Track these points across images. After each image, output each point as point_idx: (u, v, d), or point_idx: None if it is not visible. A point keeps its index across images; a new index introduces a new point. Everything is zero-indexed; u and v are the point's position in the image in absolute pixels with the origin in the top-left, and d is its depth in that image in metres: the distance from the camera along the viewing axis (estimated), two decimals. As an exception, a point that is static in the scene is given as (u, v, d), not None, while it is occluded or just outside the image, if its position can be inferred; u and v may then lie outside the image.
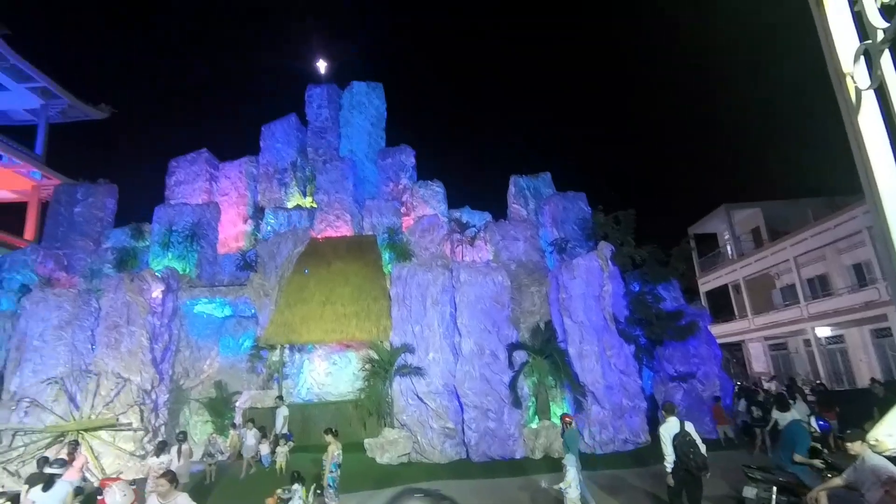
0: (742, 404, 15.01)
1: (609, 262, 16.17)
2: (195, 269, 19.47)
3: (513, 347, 15.08)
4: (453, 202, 23.39)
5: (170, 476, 5.17)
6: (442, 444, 13.86)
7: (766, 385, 22.66)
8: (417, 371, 14.72)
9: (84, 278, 19.69)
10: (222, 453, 13.51)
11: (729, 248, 32.85)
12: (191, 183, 24.17)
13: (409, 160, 24.65)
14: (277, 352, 16.62)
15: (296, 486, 9.33)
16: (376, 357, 15.56)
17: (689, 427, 7.38)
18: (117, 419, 13.81)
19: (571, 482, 8.33)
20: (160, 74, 79.54)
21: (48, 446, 13.07)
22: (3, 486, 12.56)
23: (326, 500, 8.81)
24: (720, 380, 16.47)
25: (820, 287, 26.81)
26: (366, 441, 13.71)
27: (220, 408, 16.14)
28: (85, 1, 75.85)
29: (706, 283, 33.94)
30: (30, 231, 31.95)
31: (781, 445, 8.02)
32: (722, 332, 30.15)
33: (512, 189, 23.15)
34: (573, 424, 9.49)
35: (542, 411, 15.02)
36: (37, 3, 64.52)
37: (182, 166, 24.52)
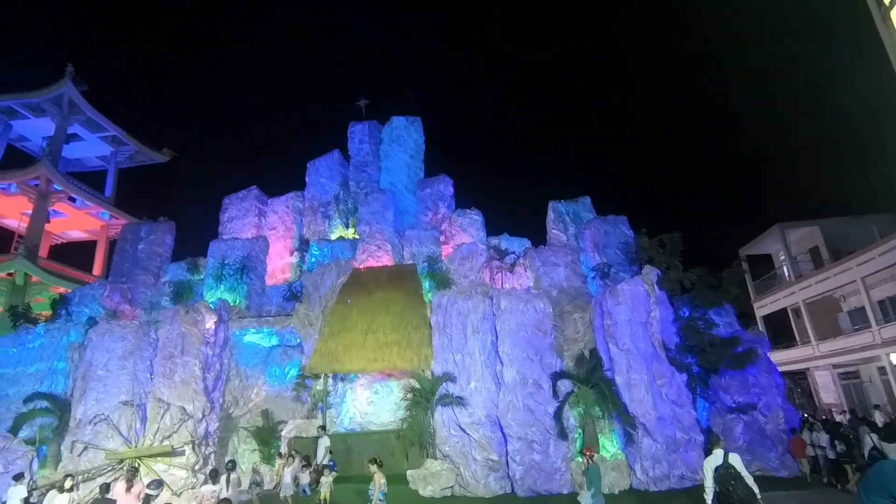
0: (823, 438, 13.70)
1: (655, 286, 15.62)
2: (245, 300, 20.29)
3: (557, 376, 14.67)
4: (492, 230, 23.53)
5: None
6: (486, 478, 13.49)
7: (837, 417, 20.79)
8: (459, 401, 14.53)
9: (145, 311, 20.89)
10: (259, 485, 13.67)
11: (786, 269, 30.97)
12: (242, 218, 25.51)
13: (448, 190, 25.15)
14: (321, 381, 16.89)
15: None
16: (418, 386, 15.51)
17: (734, 459, 7.04)
18: (172, 447, 14.32)
19: None
20: (215, 119, 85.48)
21: (109, 471, 13.66)
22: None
23: None
24: (784, 411, 15.28)
25: (892, 310, 24.69)
26: (408, 473, 13.54)
27: (266, 436, 16.44)
28: (147, 56, 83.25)
29: (762, 307, 31.98)
30: (98, 267, 34.47)
31: (873, 486, 7.15)
32: (783, 359, 28.16)
33: (551, 215, 23.00)
34: (594, 459, 9.53)
35: (591, 444, 14.38)
36: (106, 59, 71.47)
37: (234, 203, 25.97)
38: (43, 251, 31.72)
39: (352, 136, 27.71)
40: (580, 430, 14.65)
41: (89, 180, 35.23)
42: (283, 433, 16.06)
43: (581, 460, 10.14)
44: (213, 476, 10.55)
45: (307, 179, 26.77)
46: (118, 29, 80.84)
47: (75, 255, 36.28)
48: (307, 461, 13.73)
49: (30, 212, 30.38)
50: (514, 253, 21.01)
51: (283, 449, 15.30)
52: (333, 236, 24.34)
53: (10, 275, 27.54)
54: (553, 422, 13.89)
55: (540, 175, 79.16)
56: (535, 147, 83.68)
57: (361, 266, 20.97)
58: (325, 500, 11.93)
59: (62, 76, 31.39)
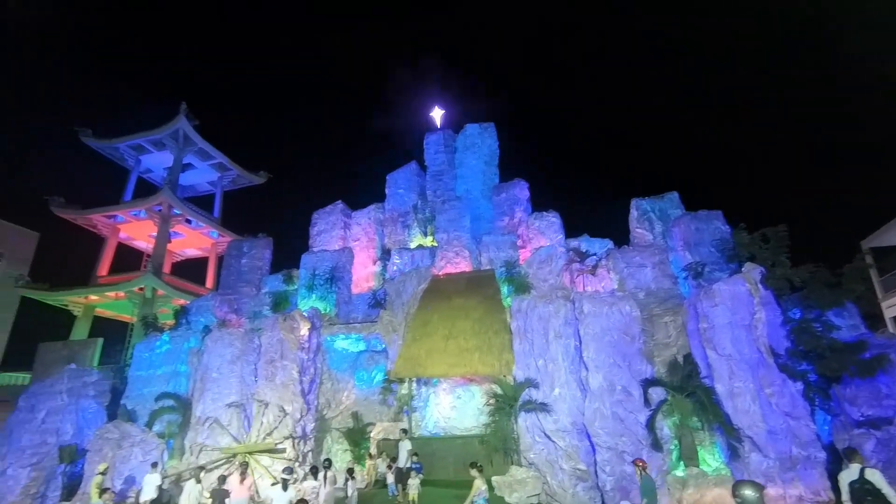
0: None
1: (759, 285, 14.21)
2: (334, 308, 21.56)
3: (648, 384, 13.83)
4: (571, 231, 22.87)
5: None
6: (574, 487, 13.06)
7: None
8: (543, 407, 14.24)
9: (249, 319, 22.98)
10: (355, 485, 14.31)
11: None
12: (329, 232, 27.20)
13: (523, 193, 24.93)
14: (406, 385, 17.42)
15: None
16: (500, 392, 15.44)
17: (872, 474, 6.40)
18: (275, 444, 15.57)
19: None
20: (302, 140, 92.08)
21: (224, 464, 15.16)
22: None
23: None
24: (930, 428, 13.08)
25: None
26: (493, 479, 13.48)
27: (356, 437, 17.26)
28: (239, 87, 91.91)
29: (893, 307, 27.67)
30: (210, 280, 38.57)
31: None
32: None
33: (634, 213, 21.85)
34: (647, 470, 9.39)
35: (689, 457, 13.37)
36: (206, 93, 79.97)
37: (322, 217, 27.78)
38: (166, 268, 36.15)
39: (427, 147, 28.52)
40: (676, 442, 13.67)
41: (201, 203, 39.67)
42: (372, 434, 16.78)
43: (637, 475, 9.68)
44: (314, 472, 11.29)
45: (387, 191, 27.93)
46: (214, 65, 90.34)
47: (191, 270, 40.95)
48: (394, 462, 14.25)
49: (155, 234, 34.83)
50: (595, 255, 20.24)
51: (373, 450, 16.00)
52: (413, 245, 25.10)
53: (141, 289, 31.72)
54: (645, 432, 13.11)
55: (620, 172, 75.34)
56: (614, 143, 79.90)
57: (440, 273, 21.39)
58: (413, 501, 12.26)
59: (177, 113, 35.72)
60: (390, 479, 13.50)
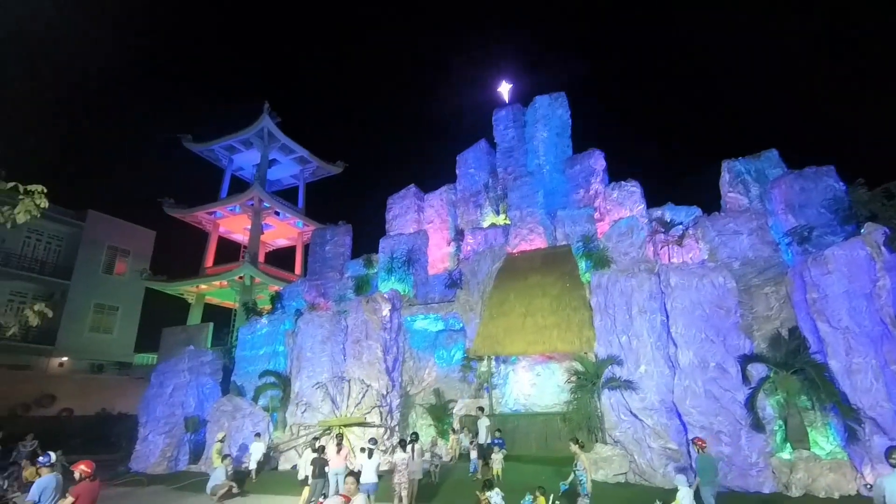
0: None
1: (883, 248, 12.44)
2: (412, 289, 22.23)
3: (746, 360, 12.76)
4: (653, 200, 21.41)
5: (355, 476, 6.20)
6: (664, 467, 12.54)
7: None
8: (628, 385, 13.75)
9: (335, 302, 24.43)
10: (440, 457, 14.87)
11: None
12: (404, 216, 27.90)
13: (599, 163, 23.72)
14: (485, 363, 17.63)
15: (496, 490, 9.81)
16: (581, 369, 15.11)
17: None
18: (364, 418, 16.58)
19: (682, 501, 8.54)
20: (374, 127, 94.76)
21: (320, 436, 16.44)
22: (295, 463, 16.33)
23: None
24: None
25: None
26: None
27: (439, 413, 17.85)
28: (312, 81, 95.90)
29: None
30: (298, 267, 41.38)
31: None
32: None
33: (726, 176, 19.93)
34: (706, 450, 9.42)
35: (798, 439, 12.24)
36: (284, 89, 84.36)
37: (396, 202, 28.52)
38: (261, 257, 39.32)
39: (496, 123, 27.98)
40: (781, 422, 12.56)
41: (286, 196, 42.48)
42: (454, 410, 17.26)
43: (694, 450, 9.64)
44: (402, 445, 11.88)
45: (457, 172, 27.95)
46: (287, 60, 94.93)
47: (282, 259, 44.19)
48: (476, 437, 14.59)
49: (249, 226, 37.95)
50: (681, 224, 18.87)
51: (456, 425, 16.48)
52: (486, 224, 25.02)
53: (240, 278, 34.86)
54: (744, 411, 12.18)
55: (706, 134, 68.97)
56: (698, 102, 73.07)
57: (515, 251, 21.15)
58: (497, 475, 12.51)
59: (260, 112, 38.23)
60: (473, 454, 13.75)
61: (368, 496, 10.67)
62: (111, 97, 74.22)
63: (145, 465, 18.08)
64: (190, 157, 40.57)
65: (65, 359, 30.81)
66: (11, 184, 7.78)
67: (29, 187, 7.70)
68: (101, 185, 67.85)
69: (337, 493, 11.57)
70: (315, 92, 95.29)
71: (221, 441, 16.05)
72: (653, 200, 21.37)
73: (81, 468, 8.09)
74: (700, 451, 9.58)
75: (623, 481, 12.71)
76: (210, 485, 13.69)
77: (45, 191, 7.77)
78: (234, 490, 13.55)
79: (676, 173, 63.30)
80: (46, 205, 7.84)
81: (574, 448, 9.44)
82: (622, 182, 22.20)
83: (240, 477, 14.47)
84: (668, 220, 19.02)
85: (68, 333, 31.22)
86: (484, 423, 14.31)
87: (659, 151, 69.91)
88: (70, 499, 7.56)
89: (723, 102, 71.65)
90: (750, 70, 66.67)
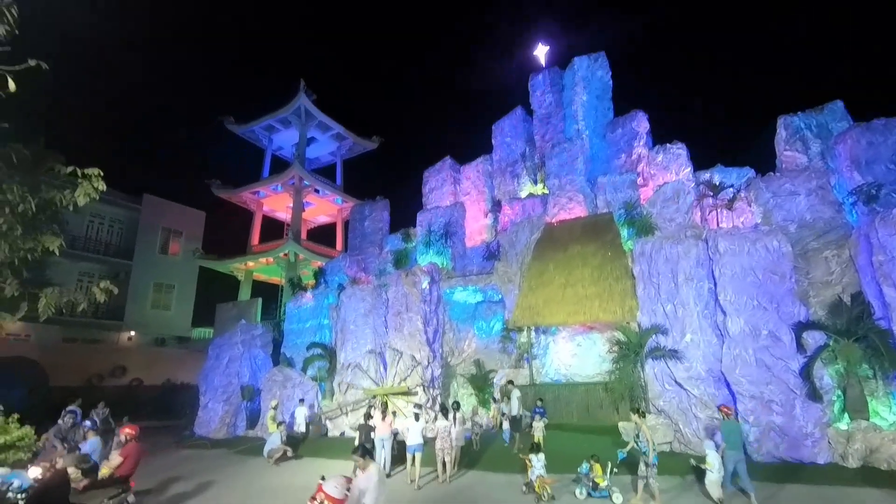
0: None
1: (960, 205, 11.37)
2: (450, 262, 22.34)
3: (802, 327, 12.13)
4: (700, 163, 20.31)
5: (361, 451, 5.87)
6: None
7: None
8: (673, 354, 13.43)
9: (375, 276, 24.95)
10: (481, 426, 15.12)
11: None
12: (440, 188, 27.81)
13: (643, 126, 22.60)
14: (524, 334, 17.63)
15: (540, 455, 10.00)
16: (623, 339, 14.85)
17: None
18: (408, 388, 17.07)
19: (713, 465, 8.92)
20: (410, 101, 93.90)
21: (366, 404, 17.11)
22: (343, 430, 17.12)
23: (650, 478, 8.77)
24: None
25: None
26: (620, 424, 13.24)
27: (480, 383, 18.11)
28: (345, 56, 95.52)
29: None
30: (339, 243, 42.37)
31: None
32: None
33: (782, 133, 18.56)
34: (731, 416, 9.68)
35: (857, 409, 11.65)
36: (316, 65, 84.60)
37: (432, 175, 28.43)
38: (303, 234, 40.50)
39: (533, 89, 27.06)
40: (840, 392, 11.96)
41: (324, 174, 43.19)
42: (494, 381, 17.46)
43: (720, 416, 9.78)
44: (444, 413, 12.20)
45: (493, 141, 27.41)
46: (319, 35, 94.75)
47: (323, 235, 45.34)
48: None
49: (291, 205, 38.99)
50: (731, 187, 17.85)
51: (497, 395, 16.69)
52: (523, 194, 24.58)
53: (285, 255, 36.12)
54: (799, 380, 11.66)
55: (759, 90, 64.05)
56: (749, 55, 67.58)
57: (554, 220, 20.73)
58: (538, 442, 12.62)
59: (297, 91, 38.63)
60: (506, 425, 13.93)
61: (414, 456, 11.26)
62: (155, 84, 76.97)
63: (207, 430, 19.46)
64: (232, 139, 41.81)
65: (133, 333, 33.24)
66: (70, 168, 8.32)
67: (86, 171, 8.18)
68: (152, 170, 71.28)
69: (384, 460, 12.11)
70: (348, 67, 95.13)
71: (275, 408, 17.01)
72: (700, 163, 20.32)
73: (127, 431, 9.05)
74: (725, 417, 9.68)
75: (668, 450, 12.56)
76: (266, 449, 14.60)
77: (102, 174, 8.23)
78: (289, 454, 14.39)
79: (726, 134, 59.59)
80: (104, 188, 8.32)
81: (635, 418, 9.42)
82: (667, 145, 21.14)
83: (293, 442, 15.32)
84: (718, 184, 18.04)
85: (133, 310, 33.56)
86: (515, 394, 14.15)
87: (707, 112, 65.89)
88: (119, 458, 8.41)
89: (778, 54, 66.11)
90: (807, 14, 60.92)
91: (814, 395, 11.46)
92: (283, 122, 40.31)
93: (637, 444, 9.22)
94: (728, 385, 12.50)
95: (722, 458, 9.15)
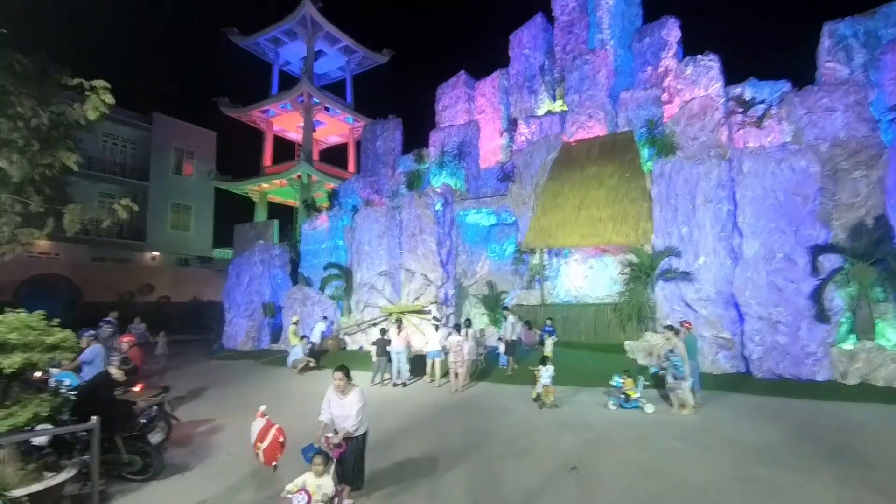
0: None
1: None
2: (464, 183, 22.05)
3: (818, 250, 11.99)
4: (733, 77, 18.91)
5: (345, 371, 5.51)
6: (714, 355, 12.72)
7: None
8: (685, 276, 13.52)
9: (388, 198, 24.89)
10: (486, 348, 15.77)
11: None
12: (454, 106, 26.68)
13: (673, 34, 20.79)
14: (537, 256, 17.80)
15: (549, 366, 10.61)
16: (636, 261, 14.92)
17: None
18: (422, 307, 17.72)
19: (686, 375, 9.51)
20: (422, 10, 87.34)
21: (383, 320, 17.93)
22: (361, 345, 18.13)
23: (677, 390, 9.40)
24: None
25: None
26: (626, 343, 13.75)
27: (491, 304, 18.66)
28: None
29: None
30: (351, 164, 41.89)
31: None
32: None
33: (826, 42, 17.04)
34: (692, 331, 10.90)
35: (863, 330, 11.82)
36: (331, -26, 78.17)
37: (446, 92, 27.16)
38: (315, 156, 39.96)
39: (555, -8, 24.77)
40: (849, 314, 12.09)
41: (334, 90, 41.55)
42: (506, 301, 17.96)
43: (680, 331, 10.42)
44: (458, 329, 12.76)
45: (510, 53, 25.71)
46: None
47: (335, 156, 44.69)
48: (528, 325, 15.29)
49: (301, 124, 38.10)
50: (763, 102, 16.80)
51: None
52: (540, 112, 23.51)
53: (298, 176, 35.96)
54: (808, 302, 11.75)
55: (814, -12, 57.65)
56: (812, -55, 60.02)
57: (571, 140, 20.00)
58: (548, 357, 13.22)
59: (300, -1, 36.09)
60: (501, 348, 14.08)
61: (433, 361, 12.88)
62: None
63: (234, 343, 20.75)
64: (239, 55, 39.97)
65: (156, 253, 34.43)
66: (76, 80, 8.15)
67: (93, 83, 8.02)
68: (159, 89, 69.32)
69: (398, 371, 12.92)
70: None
71: (296, 323, 17.94)
72: (733, 77, 18.89)
73: (128, 339, 10.76)
74: (687, 332, 10.58)
75: (671, 366, 13.09)
76: (290, 360, 15.64)
77: (109, 86, 8.07)
78: (312, 364, 15.42)
79: (765, 44, 54.97)
80: (112, 101, 8.19)
81: (668, 335, 9.83)
82: (698, 56, 19.57)
83: (315, 354, 16.33)
84: (749, 99, 16.98)
85: (154, 231, 34.47)
86: (510, 319, 14.15)
87: (747, 17, 60.21)
88: (134, 362, 9.89)
89: (837, -54, 58.77)
90: None
91: (822, 316, 11.60)
92: (289, 34, 38.15)
93: (671, 360, 9.62)
94: (737, 306, 12.69)
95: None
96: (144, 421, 6.67)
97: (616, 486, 6.04)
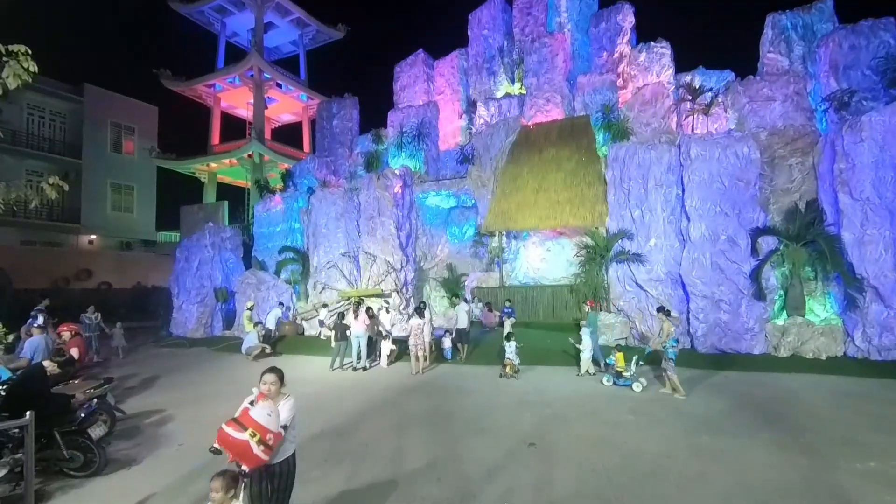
0: None
1: (926, 115, 11.56)
2: (423, 165, 21.85)
3: (758, 233, 12.77)
4: (684, 64, 19.64)
5: (278, 374, 4.19)
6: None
7: None
8: (637, 258, 14.06)
9: (346, 179, 24.32)
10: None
11: None
12: (412, 86, 26.22)
13: (628, 20, 21.26)
14: (496, 238, 17.97)
15: (513, 342, 11.38)
16: (592, 243, 15.35)
17: None
18: (382, 291, 17.54)
19: (587, 345, 11.22)
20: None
21: (341, 304, 17.64)
22: (321, 331, 17.82)
23: (668, 371, 9.49)
24: None
25: None
26: (581, 322, 14.17)
27: (452, 286, 18.78)
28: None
29: None
30: (306, 144, 40.50)
31: None
32: None
33: (768, 33, 17.91)
34: (594, 309, 12.63)
35: (795, 307, 12.74)
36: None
37: (404, 70, 26.61)
38: (267, 134, 38.32)
39: (515, -27, 24.64)
40: (782, 292, 12.99)
41: (287, 66, 39.78)
42: (466, 283, 18.10)
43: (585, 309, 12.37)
44: (419, 312, 12.72)
45: (469, 34, 25.45)
46: None
47: (289, 135, 43.05)
48: (489, 306, 15.49)
49: (252, 101, 36.31)
50: (711, 90, 17.51)
51: (468, 296, 17.41)
52: (499, 94, 23.51)
53: (249, 155, 34.41)
54: (748, 281, 12.54)
55: (759, -20, 60.30)
56: (756, -61, 62.56)
57: (530, 123, 20.17)
58: (512, 333, 13.42)
59: (248, -34, 34.02)
60: (447, 343, 13.41)
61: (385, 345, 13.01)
62: (81, -49, 66.17)
63: (184, 330, 19.85)
64: (181, 24, 37.41)
65: (93, 237, 32.18)
66: None
67: (11, 47, 7.21)
68: (91, 58, 63.93)
69: (358, 355, 12.78)
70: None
71: (250, 309, 17.35)
72: (684, 64, 19.66)
73: (70, 327, 10.20)
74: (590, 309, 12.35)
75: (624, 344, 13.67)
76: (245, 346, 15.13)
77: (30, 51, 7.29)
78: (267, 351, 14.99)
79: (713, 32, 57.12)
80: (35, 68, 7.41)
81: (660, 316, 10.07)
82: (651, 43, 20.14)
83: (271, 340, 15.89)
84: (698, 87, 17.65)
85: (91, 212, 32.13)
86: (462, 307, 13.84)
87: (696, 5, 62.31)
88: (77, 351, 9.30)
89: (779, -59, 61.45)
90: None
91: (759, 294, 12.42)
92: (236, 3, 35.95)
93: (664, 343, 9.74)
94: (683, 286, 13.35)
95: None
96: (83, 415, 6.25)
97: (573, 459, 6.26)
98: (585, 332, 11.34)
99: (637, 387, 9.82)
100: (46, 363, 7.58)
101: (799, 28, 17.49)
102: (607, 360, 10.74)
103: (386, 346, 13.11)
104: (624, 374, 10.15)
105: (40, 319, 11.54)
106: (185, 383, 11.74)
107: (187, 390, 10.92)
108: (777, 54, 17.74)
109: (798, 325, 12.07)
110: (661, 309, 10.23)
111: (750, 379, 10.46)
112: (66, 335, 10.32)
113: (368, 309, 13.61)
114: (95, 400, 6.93)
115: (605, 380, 10.40)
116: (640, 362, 10.42)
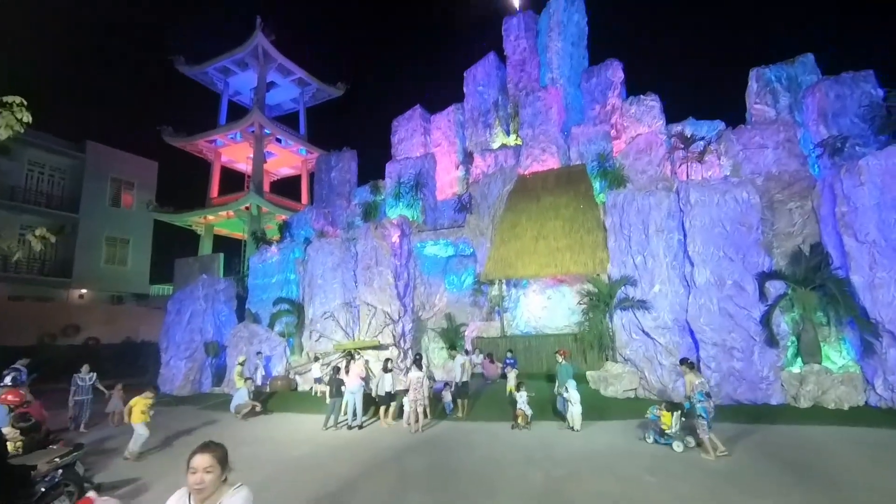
0: None
1: (920, 158, 11.63)
2: (421, 215, 21.84)
3: (765, 277, 12.50)
4: (673, 115, 20.20)
5: (216, 455, 2.63)
6: (674, 382, 12.73)
7: None
8: (641, 304, 13.66)
9: (343, 230, 24.22)
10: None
11: None
12: (410, 139, 26.79)
13: (617, 75, 22.10)
14: (496, 287, 17.60)
15: (523, 391, 11.14)
16: (594, 290, 15.00)
17: None
18: (379, 342, 16.91)
19: (575, 399, 10.60)
20: (377, 45, 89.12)
21: (337, 357, 16.92)
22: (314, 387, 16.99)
23: (699, 431, 8.53)
24: None
25: None
26: (588, 373, 13.59)
27: (451, 336, 18.17)
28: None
29: None
30: (304, 196, 40.89)
31: None
32: None
33: (753, 85, 18.52)
34: (566, 360, 11.50)
35: (810, 353, 12.24)
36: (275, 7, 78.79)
37: (402, 124, 27.28)
38: (266, 187, 38.74)
39: (507, 34, 25.85)
40: (794, 338, 12.54)
41: (286, 122, 40.93)
42: (466, 333, 17.53)
43: (559, 359, 11.57)
44: (418, 364, 12.11)
45: (465, 90, 26.35)
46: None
47: (288, 187, 43.57)
48: (490, 357, 14.86)
49: (251, 155, 36.97)
50: (702, 139, 17.84)
51: (469, 346, 16.79)
52: (495, 145, 23.98)
53: (247, 208, 34.57)
54: (759, 327, 12.12)
55: (733, 42, 63.97)
56: (724, 6, 66.84)
57: (526, 172, 20.38)
58: (510, 391, 12.81)
59: (253, 29, 35.75)
60: (447, 397, 12.84)
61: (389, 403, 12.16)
62: (94, 22, 69.82)
63: (171, 387, 18.93)
64: (185, 83, 38.74)
65: (84, 291, 31.58)
66: None
67: (5, 98, 7.10)
68: (95, 116, 65.79)
69: (354, 411, 12.03)
70: (310, 8, 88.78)
71: (242, 364, 16.59)
72: (673, 115, 20.21)
73: (19, 393, 9.16)
74: (563, 359, 11.46)
75: (633, 396, 13.01)
76: (234, 404, 14.29)
77: (25, 102, 7.18)
78: (258, 409, 14.16)
79: (699, 86, 59.76)
80: (29, 119, 7.27)
81: (683, 368, 9.43)
82: (641, 96, 20.79)
83: (262, 397, 15.07)
84: (689, 136, 17.98)
85: (84, 265, 31.72)
86: (459, 360, 13.32)
87: (682, 62, 65.55)
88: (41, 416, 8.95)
89: (752, 6, 65.63)
90: (785, -33, 60.24)
91: (771, 341, 11.96)
92: (240, 64, 37.48)
93: (690, 396, 9.02)
94: (692, 333, 12.88)
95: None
96: (44, 489, 5.58)
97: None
98: (572, 385, 10.75)
99: (678, 446, 8.77)
100: (7, 430, 6.92)
101: (784, 80, 18.11)
102: (650, 416, 9.63)
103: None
104: (667, 431, 9.15)
105: (7, 380, 10.78)
106: (161, 447, 10.89)
107: (163, 456, 10.09)
108: (764, 105, 18.26)
109: (816, 374, 11.52)
110: (683, 360, 9.63)
111: (772, 431, 9.81)
112: (30, 397, 9.44)
113: (366, 361, 13.02)
114: (61, 471, 6.26)
115: (646, 436, 9.46)
116: (682, 419, 9.25)
